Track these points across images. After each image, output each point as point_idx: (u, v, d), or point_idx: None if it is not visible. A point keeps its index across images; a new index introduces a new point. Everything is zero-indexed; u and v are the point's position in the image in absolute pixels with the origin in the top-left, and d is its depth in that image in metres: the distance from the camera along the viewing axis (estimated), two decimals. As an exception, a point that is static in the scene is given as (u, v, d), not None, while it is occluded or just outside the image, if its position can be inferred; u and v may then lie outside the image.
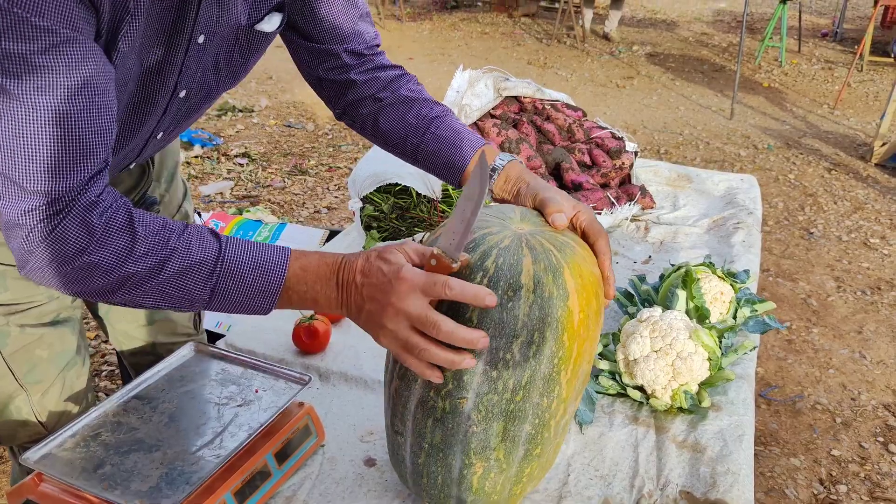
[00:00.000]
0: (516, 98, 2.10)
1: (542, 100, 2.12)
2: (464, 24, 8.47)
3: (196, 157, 4.09)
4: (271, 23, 1.01)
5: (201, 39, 0.92)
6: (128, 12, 0.76)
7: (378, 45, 1.18)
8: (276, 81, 5.76)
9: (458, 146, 1.11)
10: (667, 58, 7.19)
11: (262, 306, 0.84)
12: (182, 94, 0.98)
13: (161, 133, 1.04)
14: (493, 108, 2.01)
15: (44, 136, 0.71)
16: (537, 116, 2.07)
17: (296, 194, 3.76)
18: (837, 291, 3.16)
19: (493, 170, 1.06)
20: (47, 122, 0.71)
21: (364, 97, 1.15)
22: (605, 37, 7.82)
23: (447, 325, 0.77)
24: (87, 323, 2.47)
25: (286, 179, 3.90)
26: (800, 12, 7.70)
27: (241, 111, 5.05)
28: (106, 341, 2.46)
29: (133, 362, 1.38)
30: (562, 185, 1.87)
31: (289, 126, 4.82)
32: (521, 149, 1.84)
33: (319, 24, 1.08)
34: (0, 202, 0.74)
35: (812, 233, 3.70)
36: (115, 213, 0.78)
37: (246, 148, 4.35)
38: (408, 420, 0.89)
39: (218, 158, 4.14)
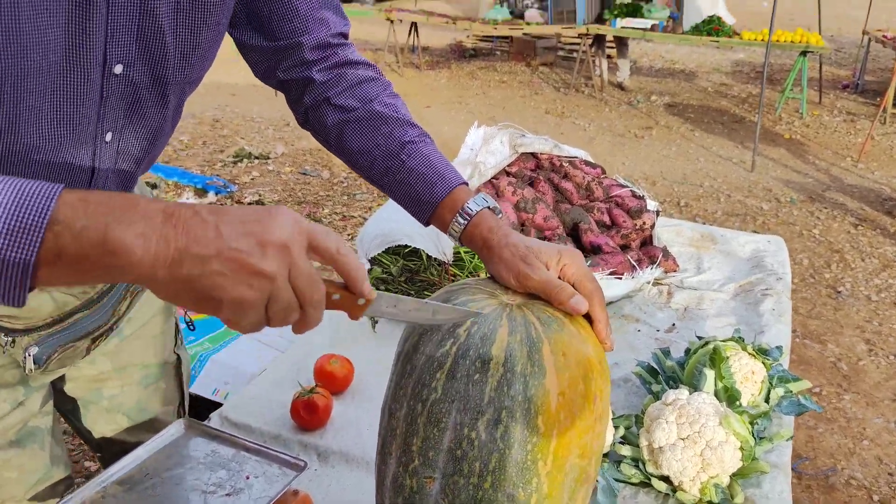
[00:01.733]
0: (533, 154, 2.03)
1: (559, 156, 2.05)
2: (482, 72, 8.51)
3: (210, 204, 4.06)
4: None
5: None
6: None
7: (345, 36, 1.05)
8: (292, 128, 5.77)
9: (429, 181, 0.97)
10: (686, 108, 7.16)
11: (14, 256, 0.52)
12: (118, 69, 0.78)
13: (110, 134, 0.83)
14: (508, 165, 1.94)
15: None
16: (554, 174, 2.00)
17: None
18: (869, 355, 3.02)
19: (466, 214, 0.93)
20: None
21: (328, 102, 1.01)
22: (620, 86, 7.82)
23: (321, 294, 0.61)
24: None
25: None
26: (820, 64, 7.67)
27: (256, 158, 5.05)
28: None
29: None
30: (580, 247, 1.78)
31: (304, 173, 4.80)
32: (537, 209, 1.76)
33: (276, 10, 0.96)
34: None
35: (840, 292, 3.57)
36: None
37: (260, 195, 4.32)
38: (385, 499, 0.80)
39: (232, 206, 4.11)
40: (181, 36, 0.82)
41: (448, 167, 1.00)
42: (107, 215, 0.54)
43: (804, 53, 6.66)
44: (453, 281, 1.53)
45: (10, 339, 0.87)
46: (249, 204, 4.15)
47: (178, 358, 1.20)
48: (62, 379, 1.04)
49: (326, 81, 1.01)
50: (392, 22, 8.24)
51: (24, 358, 0.89)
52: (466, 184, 0.99)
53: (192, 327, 1.37)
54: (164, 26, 0.79)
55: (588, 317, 0.84)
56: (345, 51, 1.04)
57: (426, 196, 0.97)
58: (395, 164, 0.99)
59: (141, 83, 0.81)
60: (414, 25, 8.47)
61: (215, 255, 0.55)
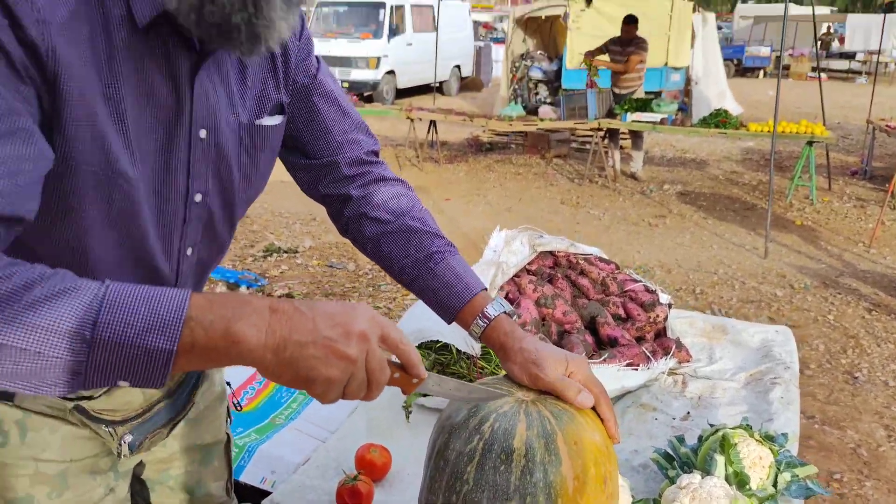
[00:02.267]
0: (551, 252, 2.19)
1: (575, 254, 2.21)
2: (498, 165, 8.82)
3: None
4: (271, 120, 1.02)
5: (203, 134, 0.92)
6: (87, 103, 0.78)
7: (377, 153, 1.19)
8: (319, 222, 6.02)
9: (453, 288, 1.11)
10: (698, 196, 7.37)
11: (160, 346, 0.66)
12: (198, 197, 0.95)
13: (190, 249, 1.00)
14: (528, 264, 2.10)
15: None
16: (571, 271, 2.15)
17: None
18: (889, 441, 3.06)
19: (486, 317, 1.07)
20: None
21: (366, 216, 1.15)
22: (633, 176, 8.07)
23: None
24: None
25: (327, 321, 4.02)
26: (827, 151, 7.89)
27: (285, 252, 5.27)
28: None
29: None
30: (598, 340, 1.91)
31: (331, 266, 4.99)
32: (556, 304, 1.90)
33: (315, 133, 1.11)
34: None
35: (857, 377, 3.63)
36: None
37: (289, 288, 4.50)
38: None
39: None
40: (244, 163, 1.01)
41: (471, 274, 1.15)
42: (227, 312, 0.69)
43: (811, 143, 6.89)
44: (481, 372, 1.66)
45: (109, 429, 1.02)
46: (280, 297, 4.32)
47: (228, 436, 1.33)
48: (140, 464, 1.17)
49: (363, 197, 1.16)
50: (412, 120, 8.64)
51: (120, 445, 1.03)
52: (486, 289, 1.14)
53: (238, 408, 1.51)
54: (231, 159, 0.97)
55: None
56: (378, 168, 1.19)
57: (451, 301, 1.12)
58: (424, 272, 1.13)
59: (214, 206, 1.00)
60: (433, 122, 8.87)
61: (311, 343, 0.71)
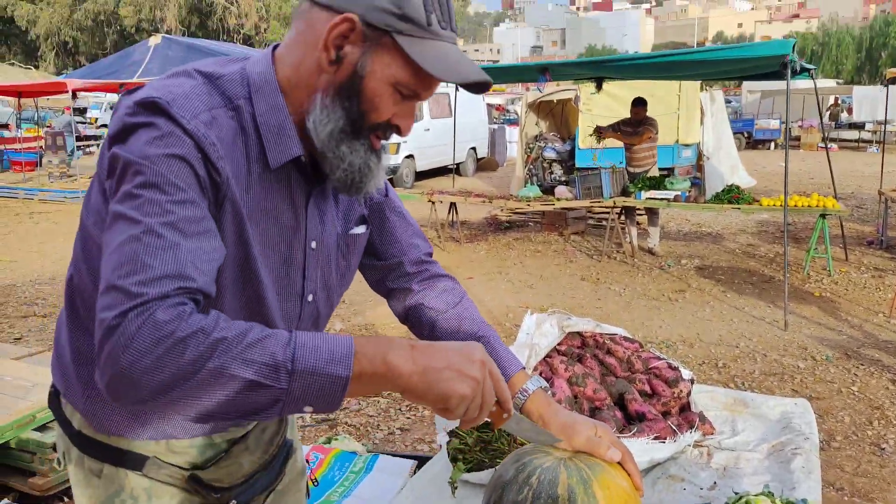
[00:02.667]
0: (579, 333, 2.35)
1: (601, 334, 2.37)
2: (517, 243, 9.05)
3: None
4: (360, 229, 1.27)
5: (314, 245, 1.17)
6: (241, 217, 1.04)
7: (431, 254, 1.42)
8: (348, 305, 6.21)
9: (499, 366, 1.29)
10: (716, 270, 7.51)
11: (340, 373, 0.87)
12: (310, 297, 1.20)
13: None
14: (558, 344, 2.26)
15: (163, 250, 0.88)
16: (598, 350, 2.31)
17: (371, 416, 3.98)
18: (917, 510, 3.10)
19: (525, 392, 1.28)
20: (164, 241, 0.89)
21: (424, 305, 1.36)
22: (651, 252, 8.25)
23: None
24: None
25: (361, 402, 4.15)
26: (841, 222, 8.05)
27: (316, 335, 5.43)
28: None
29: None
30: (626, 416, 2.05)
31: (361, 348, 5.16)
32: (587, 383, 2.05)
33: (386, 240, 1.35)
34: (104, 311, 0.85)
35: (884, 448, 3.68)
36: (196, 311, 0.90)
37: (322, 371, 4.66)
38: None
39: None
40: (342, 266, 1.27)
41: (510, 356, 1.37)
42: (381, 348, 0.91)
43: (823, 216, 7.06)
44: (520, 446, 1.80)
45: (218, 495, 1.20)
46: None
47: None
48: None
49: (422, 290, 1.39)
50: (433, 203, 8.95)
51: None
52: (524, 368, 1.34)
53: (315, 484, 1.66)
54: (332, 263, 1.24)
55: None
56: (434, 267, 1.43)
57: None
58: None
59: (320, 304, 1.25)
60: (453, 204, 9.17)
61: (446, 367, 0.92)
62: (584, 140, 12.01)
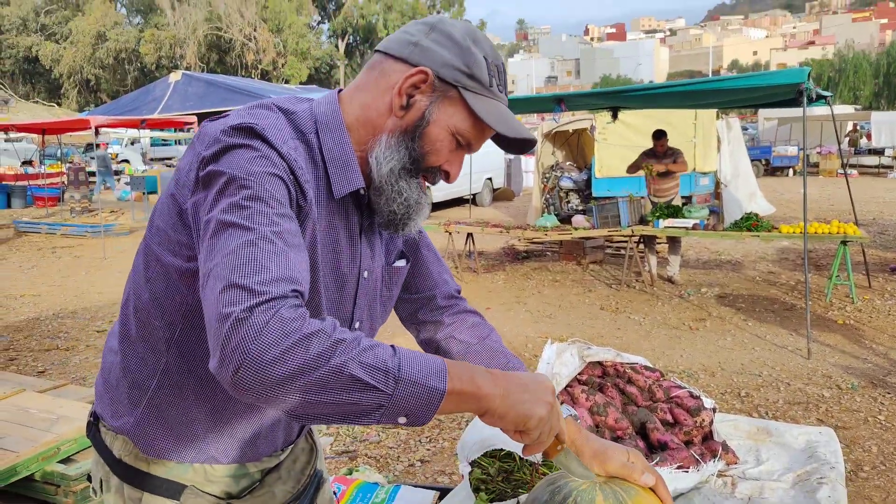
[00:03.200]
0: (599, 362, 2.35)
1: (622, 363, 2.36)
2: (535, 273, 9.04)
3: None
4: (401, 262, 1.37)
5: (365, 274, 1.26)
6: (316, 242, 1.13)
7: (460, 292, 1.50)
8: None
9: None
10: (736, 298, 7.45)
11: (438, 387, 0.92)
12: (357, 324, 1.27)
13: None
14: (579, 374, 2.26)
15: (277, 255, 0.95)
16: (619, 379, 2.30)
17: (390, 447, 3.97)
18: (949, 542, 3.03)
19: None
20: (276, 247, 0.96)
21: (454, 338, 1.42)
22: (671, 280, 8.20)
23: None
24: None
25: (381, 433, 4.14)
26: (863, 249, 7.97)
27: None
28: None
29: None
30: (649, 445, 2.04)
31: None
32: (608, 412, 2.05)
33: (420, 274, 1.43)
34: (228, 307, 0.89)
35: (912, 477, 3.61)
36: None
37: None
38: None
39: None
40: (385, 296, 1.36)
41: None
42: (467, 370, 0.97)
43: (844, 243, 7.00)
44: (543, 477, 1.80)
45: None
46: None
47: None
48: None
49: (452, 323, 1.46)
50: (450, 234, 8.98)
51: None
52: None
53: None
54: (377, 292, 1.33)
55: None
56: (463, 302, 1.50)
57: None
58: None
59: (365, 330, 1.32)
60: (470, 234, 9.20)
61: (524, 391, 1.01)
62: (601, 170, 12.05)
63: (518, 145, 1.19)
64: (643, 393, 2.28)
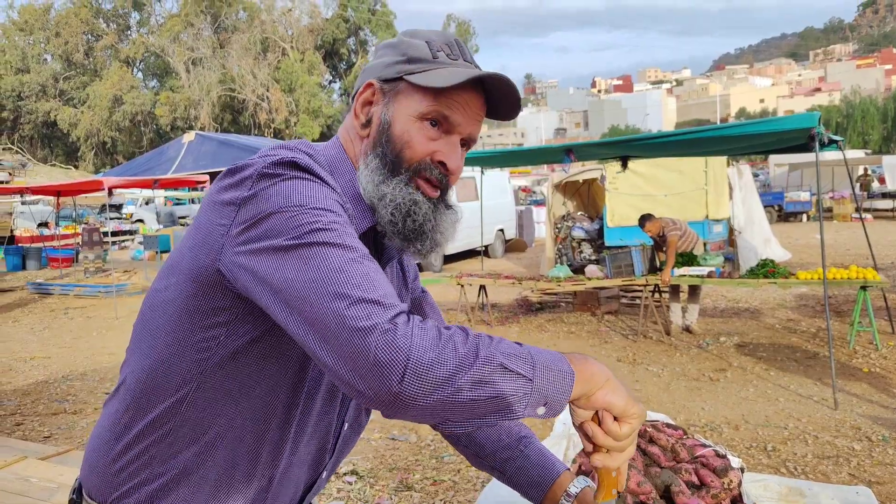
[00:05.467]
0: (618, 421, 2.23)
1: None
2: (550, 324, 8.90)
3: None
4: None
5: None
6: None
7: None
8: (378, 393, 6.09)
9: (544, 467, 1.31)
10: (757, 347, 7.27)
11: (566, 370, 0.91)
12: (346, 427, 1.21)
13: (346, 425, 1.23)
14: (597, 434, 2.14)
15: (381, 273, 0.94)
16: (640, 438, 2.18)
17: (403, 512, 3.81)
18: None
19: (569, 495, 1.25)
20: (377, 266, 0.95)
21: None
22: (688, 330, 8.04)
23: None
24: None
25: (393, 496, 3.99)
26: (884, 294, 7.80)
27: (346, 425, 5.30)
28: None
29: None
30: (674, 510, 1.91)
31: (392, 439, 5.01)
32: (630, 475, 1.92)
33: None
34: (368, 321, 0.86)
35: (955, 536, 3.40)
36: None
37: (353, 465, 4.51)
38: None
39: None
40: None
41: (554, 456, 1.34)
42: (578, 357, 0.95)
43: (864, 288, 6.85)
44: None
45: None
46: (344, 474, 4.34)
47: None
48: None
49: None
50: (463, 286, 8.90)
51: None
52: (569, 469, 1.31)
53: None
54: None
55: None
56: None
57: (542, 479, 1.30)
58: (516, 455, 1.32)
59: (351, 430, 1.26)
60: (482, 287, 9.11)
61: (623, 386, 0.97)
62: (613, 219, 12.00)
63: (499, 95, 1.09)
64: (666, 453, 2.15)
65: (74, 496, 1.19)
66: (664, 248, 8.01)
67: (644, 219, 8.04)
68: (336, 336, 0.86)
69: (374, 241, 1.15)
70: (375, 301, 0.87)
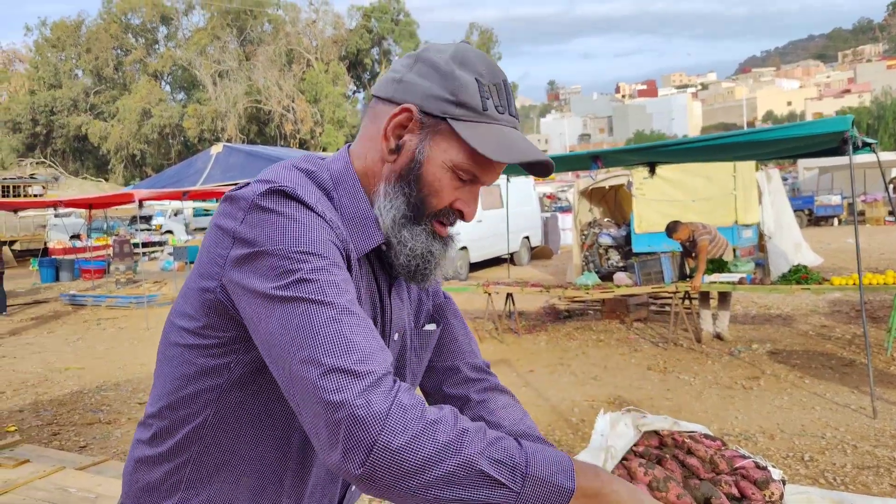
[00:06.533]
0: (655, 432, 2.21)
1: (680, 432, 2.21)
2: (578, 332, 8.84)
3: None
4: (431, 326, 1.27)
5: (396, 337, 1.16)
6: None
7: (489, 367, 1.37)
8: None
9: None
10: (790, 354, 7.15)
11: (566, 485, 0.86)
12: None
13: None
14: (634, 445, 2.12)
15: (361, 328, 0.90)
16: (678, 450, 2.15)
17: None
18: None
19: None
20: (357, 318, 0.91)
21: (485, 419, 1.26)
22: (719, 337, 7.93)
23: None
24: None
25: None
26: (921, 300, 7.62)
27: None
28: None
29: None
30: (716, 524, 1.88)
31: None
32: (669, 487, 1.90)
33: (446, 341, 1.32)
34: (338, 394, 0.83)
35: None
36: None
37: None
38: None
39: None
40: (414, 362, 1.25)
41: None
42: (591, 467, 0.91)
43: (901, 293, 6.71)
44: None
45: None
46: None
47: None
48: None
49: (481, 402, 1.30)
50: (489, 294, 8.88)
51: None
52: None
53: None
54: (407, 357, 1.22)
55: None
56: (493, 378, 1.35)
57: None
58: None
59: None
60: (509, 294, 9.08)
61: (635, 493, 0.93)
62: (640, 225, 11.91)
63: (536, 167, 1.09)
64: (705, 464, 2.12)
65: None
66: (693, 254, 7.93)
67: (672, 226, 7.96)
68: (308, 403, 0.86)
69: (380, 255, 1.13)
70: (348, 371, 0.85)
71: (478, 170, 1.07)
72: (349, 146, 1.15)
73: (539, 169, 1.10)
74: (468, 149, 1.04)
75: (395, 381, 0.88)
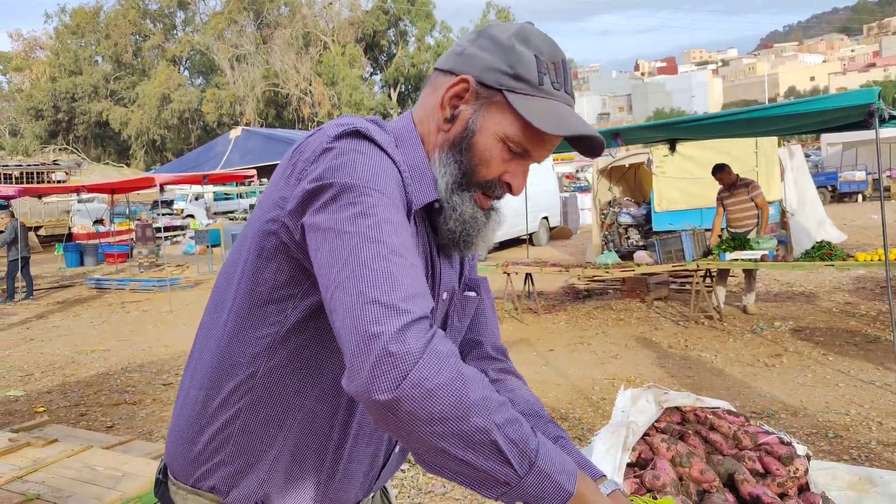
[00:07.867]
0: (677, 408, 2.19)
1: (702, 408, 2.20)
2: (598, 311, 8.81)
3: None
4: (472, 294, 1.29)
5: (444, 296, 1.18)
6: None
7: (506, 353, 1.40)
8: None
9: (582, 467, 1.26)
10: (813, 331, 7.08)
11: (567, 486, 0.91)
12: None
13: None
14: (656, 421, 2.11)
15: (409, 269, 0.92)
16: (701, 426, 2.14)
17: (456, 500, 3.83)
18: None
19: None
20: (406, 261, 0.93)
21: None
22: (744, 310, 7.88)
23: None
24: None
25: (446, 484, 4.00)
26: (948, 275, 7.50)
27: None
28: None
29: None
30: (739, 499, 1.87)
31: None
32: (692, 462, 1.89)
33: (477, 316, 1.35)
34: (376, 325, 0.85)
35: None
36: None
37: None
38: None
39: None
40: (456, 326, 1.27)
41: (588, 460, 1.27)
42: (590, 481, 0.97)
43: (928, 269, 6.59)
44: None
45: None
46: (396, 461, 4.37)
47: None
48: None
49: (497, 381, 1.33)
50: (509, 275, 8.86)
51: None
52: (605, 476, 1.21)
53: None
54: (451, 320, 1.25)
55: None
56: (510, 363, 1.39)
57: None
58: None
59: None
60: (528, 274, 9.06)
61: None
62: (660, 204, 11.80)
63: (586, 144, 1.11)
64: (728, 440, 2.11)
65: (160, 476, 1.22)
66: (723, 199, 8.09)
67: (720, 166, 8.10)
68: (346, 328, 0.88)
69: (431, 216, 1.14)
70: (390, 305, 0.87)
71: (529, 143, 1.08)
72: (412, 111, 1.18)
73: (590, 145, 1.12)
74: (521, 121, 1.06)
75: (431, 325, 0.89)
